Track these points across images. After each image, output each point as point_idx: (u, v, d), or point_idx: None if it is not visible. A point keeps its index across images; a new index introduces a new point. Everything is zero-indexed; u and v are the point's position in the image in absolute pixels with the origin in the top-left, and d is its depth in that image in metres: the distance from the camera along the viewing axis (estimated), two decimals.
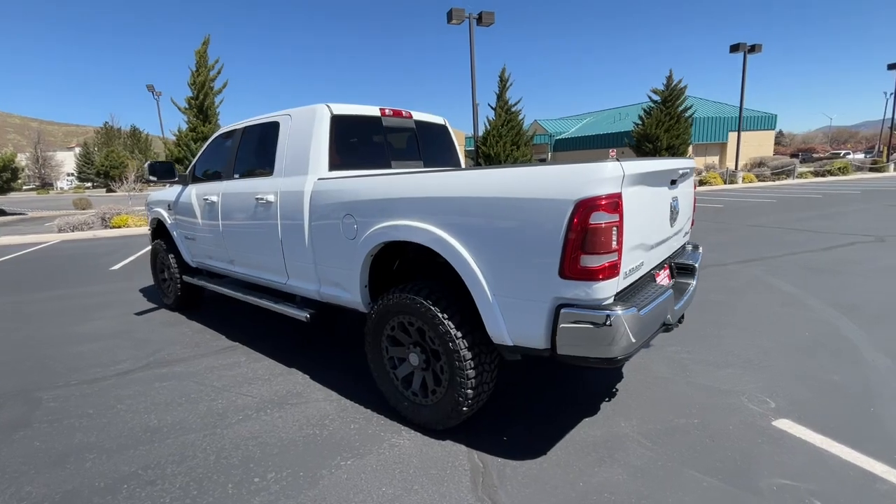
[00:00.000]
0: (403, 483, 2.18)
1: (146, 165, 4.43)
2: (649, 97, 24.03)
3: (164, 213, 4.95)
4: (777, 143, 49.01)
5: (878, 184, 20.49)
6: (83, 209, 18.76)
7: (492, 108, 20.04)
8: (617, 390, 2.99)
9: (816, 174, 26.84)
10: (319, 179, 3.12)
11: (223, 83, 14.51)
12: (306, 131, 3.27)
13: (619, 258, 1.92)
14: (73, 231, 11.73)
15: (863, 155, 49.94)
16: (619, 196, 1.86)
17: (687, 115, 22.47)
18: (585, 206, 1.83)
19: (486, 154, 18.74)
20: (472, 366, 2.32)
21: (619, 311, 1.90)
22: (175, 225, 4.81)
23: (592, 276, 1.88)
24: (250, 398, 3.08)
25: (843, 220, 10.05)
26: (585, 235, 1.84)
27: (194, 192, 4.42)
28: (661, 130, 21.88)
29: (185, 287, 4.97)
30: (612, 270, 1.90)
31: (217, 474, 2.30)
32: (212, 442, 2.58)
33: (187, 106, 13.96)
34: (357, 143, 3.54)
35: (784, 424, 2.52)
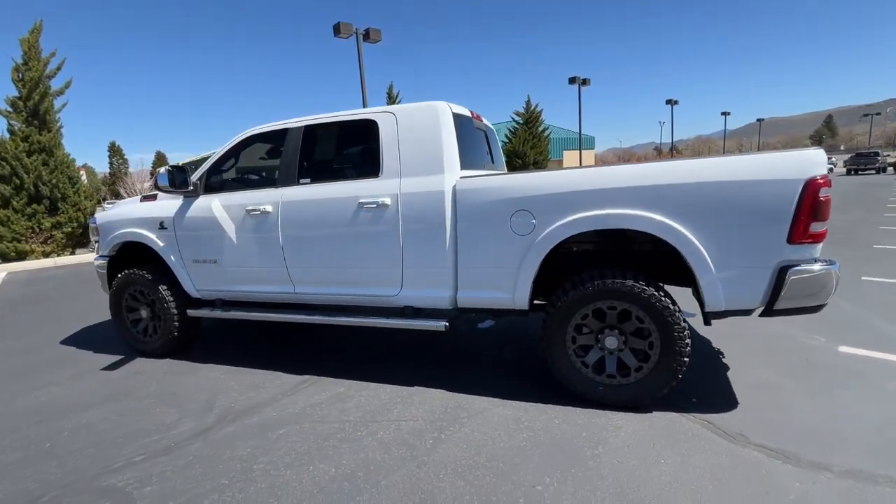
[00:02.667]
0: (673, 451, 2.31)
1: (164, 171, 3.49)
2: (513, 118, 27.15)
3: (151, 235, 3.90)
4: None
5: None
6: None
7: None
8: (719, 349, 3.56)
9: None
10: (463, 178, 2.99)
11: (65, 82, 11.49)
12: (430, 129, 3.10)
13: None
14: None
15: None
16: (827, 175, 2.37)
17: (545, 134, 26.05)
18: (815, 184, 2.29)
19: None
20: (689, 335, 2.59)
21: (827, 266, 2.41)
22: (174, 248, 3.83)
23: (815, 239, 2.35)
24: (413, 422, 2.75)
25: None
26: (817, 206, 2.30)
27: (216, 203, 3.64)
28: (528, 147, 24.90)
29: (186, 324, 3.99)
30: (824, 234, 2.39)
31: (492, 496, 2.07)
32: (432, 472, 2.27)
33: (11, 109, 10.63)
34: (465, 143, 3.46)
35: (846, 349, 3.38)
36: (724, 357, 3.40)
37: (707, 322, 2.70)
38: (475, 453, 2.40)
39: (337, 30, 17.19)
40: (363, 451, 2.48)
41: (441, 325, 3.10)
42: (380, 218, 3.12)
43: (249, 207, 3.51)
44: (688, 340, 2.58)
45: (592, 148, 47.83)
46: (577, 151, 43.95)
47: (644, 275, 2.67)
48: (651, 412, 2.69)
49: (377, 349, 4.02)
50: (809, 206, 2.30)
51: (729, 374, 3.13)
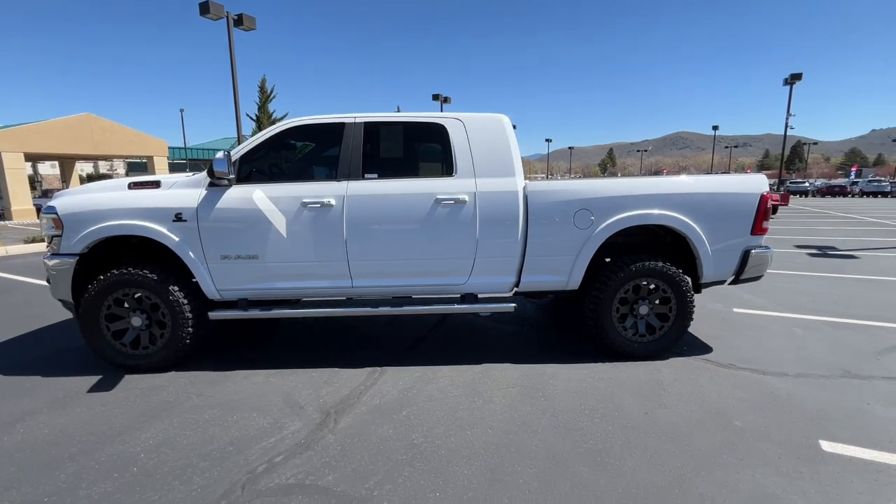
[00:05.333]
0: (702, 377, 3.29)
1: (223, 156, 3.11)
2: None
3: (160, 228, 3.37)
4: None
5: None
6: None
7: (251, 118, 18.46)
8: None
9: None
10: (528, 181, 3.55)
11: None
12: (500, 137, 3.58)
13: None
14: None
15: None
16: (770, 191, 3.69)
17: None
18: (766, 196, 3.57)
19: None
20: (694, 300, 3.65)
21: (768, 249, 3.73)
22: (194, 243, 3.40)
23: (763, 232, 3.64)
24: (512, 388, 3.19)
25: None
26: (766, 210, 3.58)
27: (260, 194, 3.41)
28: None
29: (200, 330, 3.57)
30: (767, 229, 3.70)
31: (624, 423, 2.71)
32: (567, 417, 2.80)
33: None
34: None
35: (738, 310, 5.01)
36: None
37: (698, 291, 3.82)
38: (583, 400, 3.00)
39: (205, 9, 15.32)
40: (497, 414, 2.84)
41: (511, 306, 3.60)
42: (457, 213, 3.45)
43: (307, 200, 3.40)
44: (694, 304, 3.65)
45: None
46: None
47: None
48: (668, 359, 3.68)
49: (401, 341, 4.21)
50: (763, 210, 3.58)
51: (688, 336, 4.37)
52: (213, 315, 3.52)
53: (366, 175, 3.50)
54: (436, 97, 31.26)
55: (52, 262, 3.45)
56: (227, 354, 3.91)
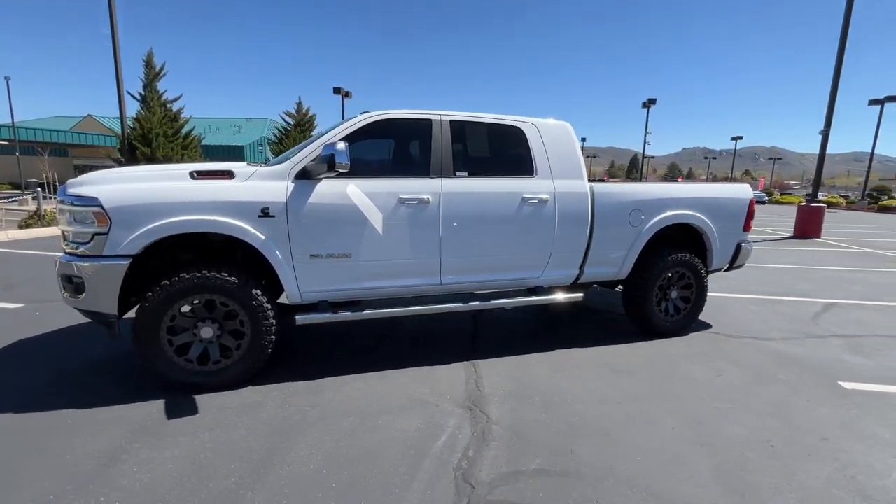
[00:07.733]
0: (724, 346, 4.09)
1: (345, 147, 2.84)
2: (282, 118, 25.91)
3: (243, 225, 2.98)
4: None
5: None
6: None
7: (135, 97, 15.68)
8: None
9: None
10: (591, 183, 3.99)
11: None
12: (568, 142, 3.95)
13: None
14: None
15: None
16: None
17: None
18: (753, 200, 4.56)
19: (150, 157, 14.64)
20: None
21: (751, 243, 4.74)
22: (282, 241, 3.09)
23: (749, 229, 4.64)
24: (597, 369, 3.58)
25: None
26: (753, 212, 4.57)
27: (354, 189, 3.25)
28: None
29: (277, 338, 3.25)
30: (752, 226, 4.70)
31: (691, 381, 3.30)
32: (662, 383, 3.30)
33: None
34: None
35: (719, 294, 6.14)
36: None
37: (706, 276, 4.68)
38: (661, 371, 3.53)
39: None
40: (608, 389, 3.20)
41: (579, 296, 3.99)
42: (540, 211, 3.72)
43: (404, 196, 3.34)
44: (708, 288, 4.48)
45: None
46: None
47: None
48: (689, 334, 4.46)
49: (457, 336, 4.32)
50: (751, 211, 4.57)
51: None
52: (300, 319, 3.22)
53: (457, 173, 3.56)
54: (337, 90, 30.16)
55: (88, 266, 2.79)
56: (282, 364, 3.56)
